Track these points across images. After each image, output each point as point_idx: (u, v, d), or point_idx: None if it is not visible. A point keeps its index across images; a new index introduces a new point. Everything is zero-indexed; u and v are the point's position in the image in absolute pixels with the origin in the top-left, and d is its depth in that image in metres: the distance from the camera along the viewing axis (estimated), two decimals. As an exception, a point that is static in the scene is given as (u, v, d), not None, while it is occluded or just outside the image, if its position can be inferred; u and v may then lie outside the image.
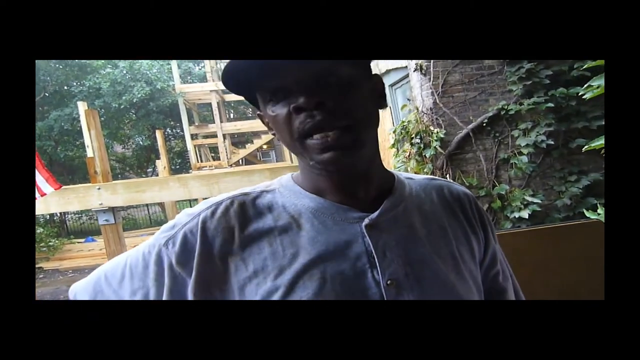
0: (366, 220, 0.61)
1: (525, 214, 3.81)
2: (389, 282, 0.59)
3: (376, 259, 0.59)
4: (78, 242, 11.40)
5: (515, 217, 3.86)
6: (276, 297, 0.57)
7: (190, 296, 0.58)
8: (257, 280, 0.58)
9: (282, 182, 0.67)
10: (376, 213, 0.62)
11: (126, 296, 0.61)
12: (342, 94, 0.57)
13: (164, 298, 0.59)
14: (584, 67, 2.61)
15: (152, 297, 0.60)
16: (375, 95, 0.65)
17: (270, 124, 0.62)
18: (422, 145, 4.12)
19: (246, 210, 0.63)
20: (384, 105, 0.66)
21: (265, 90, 0.59)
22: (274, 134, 0.64)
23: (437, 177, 0.76)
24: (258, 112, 0.66)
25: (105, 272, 0.65)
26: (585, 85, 2.12)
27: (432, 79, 4.12)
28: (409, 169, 4.31)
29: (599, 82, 2.01)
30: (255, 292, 0.58)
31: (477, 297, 0.66)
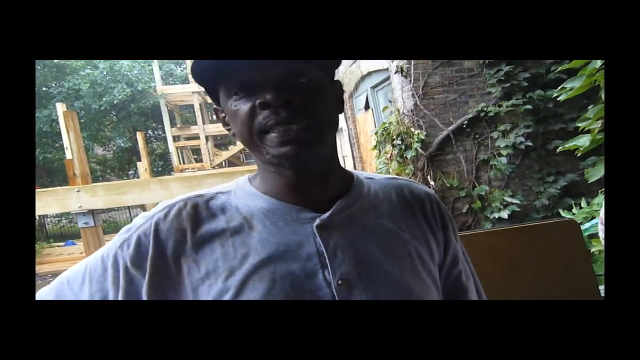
0: (317, 221, 0.61)
1: (504, 214, 3.88)
2: (340, 282, 0.59)
3: (327, 259, 0.60)
4: (58, 246, 11.16)
5: (495, 217, 3.92)
6: (227, 297, 0.57)
7: (144, 297, 0.59)
8: (209, 282, 0.58)
9: (239, 184, 0.68)
10: (328, 213, 0.62)
11: (85, 299, 0.61)
12: (310, 95, 0.58)
13: (120, 299, 0.59)
14: (558, 69, 2.67)
15: (110, 299, 0.60)
16: (336, 99, 0.66)
17: (229, 119, 0.63)
18: (403, 147, 4.16)
19: (199, 211, 0.63)
20: (341, 110, 0.67)
21: (231, 84, 0.59)
22: (228, 129, 0.65)
23: (399, 177, 0.76)
24: (215, 107, 0.67)
25: (68, 276, 0.64)
26: (559, 88, 2.17)
27: (412, 81, 4.17)
28: (390, 170, 4.35)
29: (572, 85, 2.06)
30: (207, 293, 0.58)
31: (436, 297, 0.66)
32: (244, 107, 0.58)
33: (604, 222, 1.03)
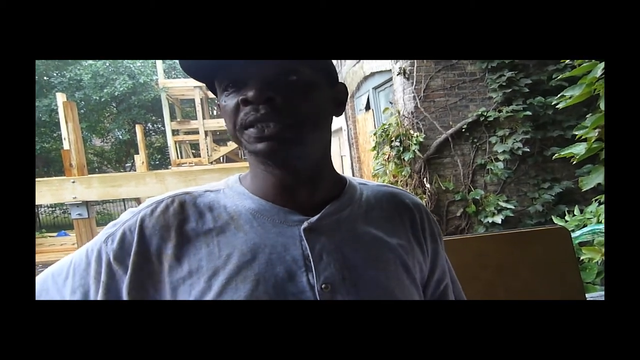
0: (305, 224, 0.61)
1: (498, 219, 3.88)
2: (323, 286, 0.58)
3: (312, 263, 0.59)
4: (50, 237, 11.14)
5: (488, 222, 3.93)
6: (208, 297, 0.56)
7: (124, 293, 0.58)
8: (191, 281, 0.58)
9: (228, 183, 0.68)
10: (316, 217, 0.62)
11: (67, 295, 0.60)
12: (296, 94, 0.58)
13: (100, 294, 0.59)
14: (559, 77, 2.68)
15: (91, 295, 0.59)
16: (334, 102, 0.66)
17: (221, 114, 0.63)
18: (401, 149, 4.16)
19: (186, 209, 0.62)
20: (339, 113, 0.67)
21: (223, 79, 0.60)
22: None
23: (392, 185, 0.76)
24: (217, 102, 0.67)
25: (53, 271, 0.63)
26: (559, 95, 2.18)
27: (414, 83, 4.17)
28: (387, 171, 4.35)
29: (571, 93, 2.07)
30: (188, 293, 0.57)
31: None
32: (230, 103, 0.59)
33: None
